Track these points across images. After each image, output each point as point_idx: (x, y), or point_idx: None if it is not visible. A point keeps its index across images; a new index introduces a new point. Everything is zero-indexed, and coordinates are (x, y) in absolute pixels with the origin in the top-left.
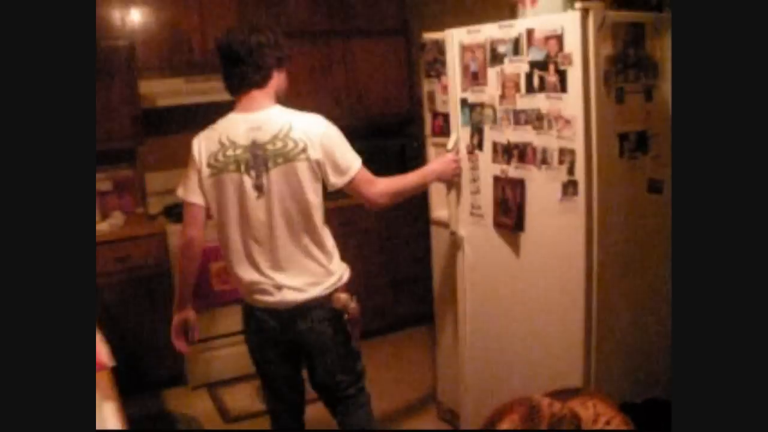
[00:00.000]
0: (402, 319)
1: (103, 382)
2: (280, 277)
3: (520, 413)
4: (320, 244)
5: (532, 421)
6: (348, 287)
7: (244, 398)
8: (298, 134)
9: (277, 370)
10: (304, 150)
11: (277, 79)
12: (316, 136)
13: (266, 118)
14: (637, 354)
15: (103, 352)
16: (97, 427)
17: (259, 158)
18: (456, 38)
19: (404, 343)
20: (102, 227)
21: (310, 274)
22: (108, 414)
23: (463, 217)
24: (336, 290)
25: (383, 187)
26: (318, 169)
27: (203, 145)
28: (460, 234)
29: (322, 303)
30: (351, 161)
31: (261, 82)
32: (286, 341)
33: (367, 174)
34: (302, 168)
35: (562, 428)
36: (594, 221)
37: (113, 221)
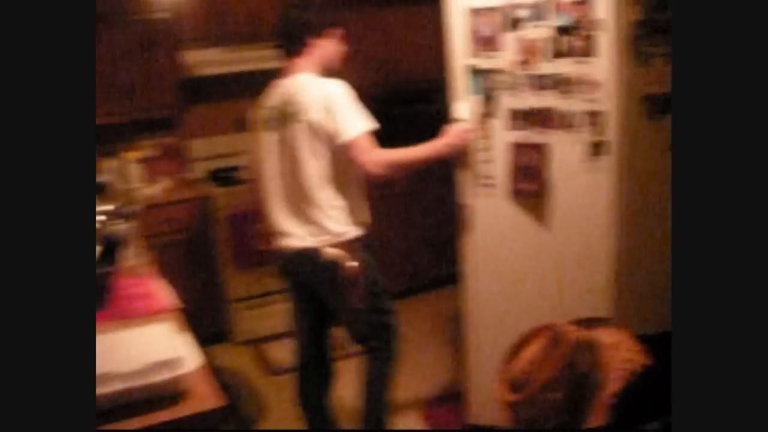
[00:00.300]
0: (442, 278)
1: (176, 320)
2: (288, 225)
3: (545, 338)
4: (314, 202)
5: (556, 346)
6: (356, 246)
7: (286, 353)
8: (304, 97)
9: (297, 304)
10: (305, 112)
11: (319, 48)
12: (320, 98)
13: (291, 83)
14: (658, 295)
15: (170, 297)
16: (173, 355)
17: (279, 119)
18: (462, 1)
19: (442, 302)
20: (150, 191)
21: (311, 226)
22: (184, 344)
23: (472, 188)
24: (331, 245)
25: (381, 157)
26: (319, 130)
27: None
28: (470, 205)
29: (317, 254)
30: (350, 125)
31: (297, 52)
32: (297, 282)
33: (367, 142)
34: (300, 128)
35: (581, 354)
36: (622, 181)
37: (161, 186)
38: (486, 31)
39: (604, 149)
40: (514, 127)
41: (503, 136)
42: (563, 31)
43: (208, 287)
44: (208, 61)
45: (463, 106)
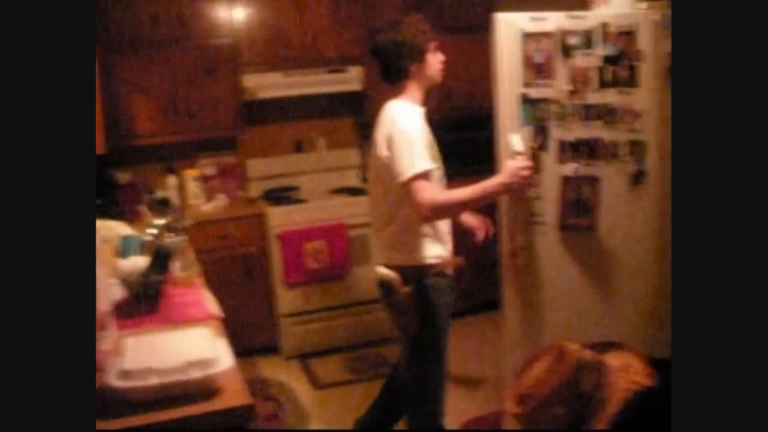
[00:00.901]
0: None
1: (216, 327)
2: (376, 248)
3: (551, 355)
4: (386, 232)
5: (560, 363)
6: (418, 276)
7: (334, 369)
8: (378, 133)
9: None
10: (376, 147)
11: (418, 71)
12: (386, 135)
13: (381, 114)
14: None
15: (213, 306)
16: (208, 356)
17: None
18: (516, 24)
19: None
20: (207, 208)
21: (384, 252)
22: (220, 347)
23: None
24: (390, 267)
25: (434, 200)
26: (387, 166)
27: None
28: (523, 246)
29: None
30: (405, 167)
31: (391, 80)
32: None
33: (419, 184)
34: (374, 162)
35: (585, 373)
36: (667, 206)
37: (217, 203)
38: (539, 57)
39: (645, 178)
40: (563, 160)
41: (554, 170)
42: (609, 60)
43: (260, 301)
44: (267, 84)
45: (517, 139)
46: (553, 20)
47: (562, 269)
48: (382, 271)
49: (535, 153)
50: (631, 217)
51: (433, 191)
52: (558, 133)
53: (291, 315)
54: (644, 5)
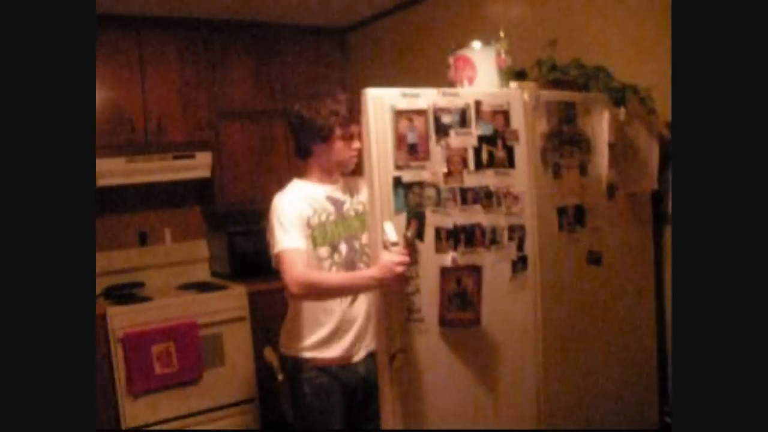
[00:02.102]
0: None
1: None
2: None
3: None
4: (288, 316)
5: None
6: (294, 367)
7: None
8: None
9: None
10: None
11: (322, 153)
12: (270, 212)
13: None
14: (585, 417)
15: None
16: None
17: None
18: (386, 101)
19: None
20: None
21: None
22: None
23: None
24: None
25: (298, 275)
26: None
27: None
28: (402, 349)
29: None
30: (276, 241)
31: (298, 155)
32: None
33: (287, 259)
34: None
35: None
36: (539, 296)
37: None
38: (412, 137)
39: (524, 265)
40: (440, 249)
41: (433, 260)
42: (485, 140)
43: (102, 413)
44: (108, 170)
45: (390, 227)
46: (426, 97)
47: (444, 366)
48: (266, 353)
49: (411, 243)
50: (513, 306)
51: (300, 269)
52: (435, 219)
53: (138, 428)
54: (514, 85)
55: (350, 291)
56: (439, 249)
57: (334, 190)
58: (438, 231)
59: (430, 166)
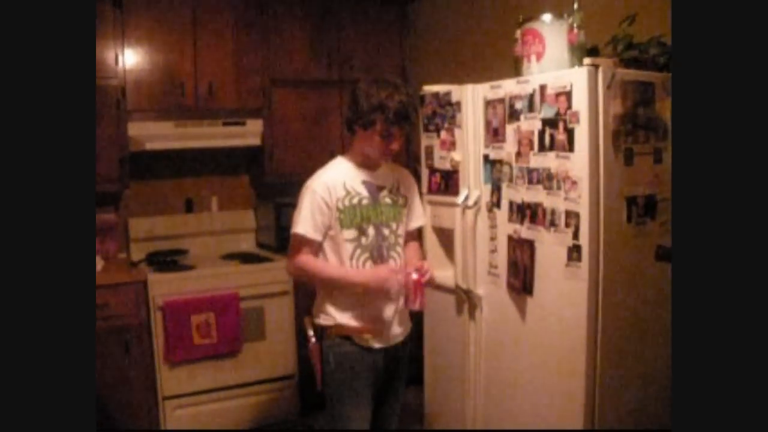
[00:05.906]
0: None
1: None
2: None
3: None
4: None
5: None
6: (326, 333)
7: None
8: None
9: None
10: None
11: (358, 135)
12: None
13: None
14: (641, 417)
15: None
16: None
17: None
18: (479, 93)
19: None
20: None
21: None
22: None
23: (481, 276)
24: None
25: (294, 258)
26: None
27: None
28: (478, 293)
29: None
30: (294, 222)
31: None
32: None
33: (293, 242)
34: None
35: None
36: (599, 290)
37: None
38: (495, 122)
39: (579, 255)
40: (511, 220)
41: (506, 228)
42: (548, 123)
43: (139, 381)
44: (155, 134)
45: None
46: (505, 87)
47: (510, 325)
48: (305, 322)
49: (489, 209)
50: (568, 294)
51: (301, 257)
52: (509, 193)
53: (174, 397)
54: (587, 61)
55: (338, 285)
56: (510, 219)
57: (372, 176)
58: (511, 204)
59: (506, 147)
